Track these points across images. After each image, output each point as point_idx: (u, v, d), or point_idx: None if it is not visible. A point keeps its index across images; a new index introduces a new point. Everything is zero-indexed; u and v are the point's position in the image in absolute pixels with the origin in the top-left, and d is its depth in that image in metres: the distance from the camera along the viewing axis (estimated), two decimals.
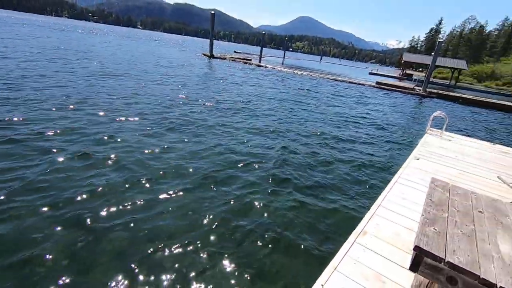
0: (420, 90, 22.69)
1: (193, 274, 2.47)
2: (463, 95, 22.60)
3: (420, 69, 62.50)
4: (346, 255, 2.07)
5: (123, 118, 6.42)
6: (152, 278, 2.38)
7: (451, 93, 23.03)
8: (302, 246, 2.99)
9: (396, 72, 59.04)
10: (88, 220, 2.98)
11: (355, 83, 24.73)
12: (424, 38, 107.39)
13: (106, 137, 5.19)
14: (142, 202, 3.41)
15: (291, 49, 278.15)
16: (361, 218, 2.64)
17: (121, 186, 3.69)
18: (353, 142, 7.27)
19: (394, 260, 2.06)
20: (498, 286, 1.38)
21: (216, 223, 3.20)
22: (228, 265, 2.62)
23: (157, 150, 4.95)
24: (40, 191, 3.35)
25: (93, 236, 2.78)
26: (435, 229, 1.77)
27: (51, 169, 3.85)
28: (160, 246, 2.74)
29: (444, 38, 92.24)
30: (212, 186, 4.01)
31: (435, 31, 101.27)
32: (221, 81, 15.12)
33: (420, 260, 1.60)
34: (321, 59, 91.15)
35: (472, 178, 3.99)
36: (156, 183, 3.90)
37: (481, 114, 16.80)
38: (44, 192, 3.35)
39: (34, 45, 18.02)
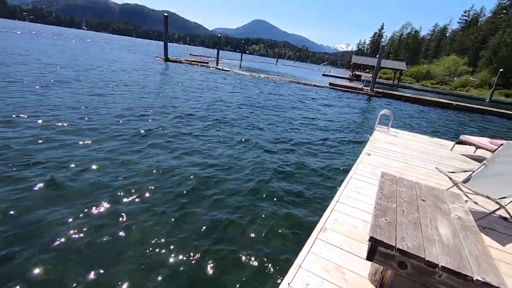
0: (368, 90, 24.47)
1: None
2: (405, 94, 24.88)
3: (367, 70, 67.31)
4: (309, 251, 2.16)
5: (71, 131, 5.91)
6: None
7: (394, 92, 25.19)
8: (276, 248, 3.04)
9: (346, 73, 62.86)
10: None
11: (310, 84, 25.81)
12: (369, 42, 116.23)
13: (50, 155, 4.64)
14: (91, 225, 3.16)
15: (247, 52, 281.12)
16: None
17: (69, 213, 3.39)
18: (312, 144, 7.56)
19: (353, 251, 2.20)
20: (440, 266, 1.55)
21: (180, 242, 3.11)
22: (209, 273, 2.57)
23: (113, 166, 4.61)
24: None
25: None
26: (386, 220, 1.93)
27: None
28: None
29: (386, 42, 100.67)
30: (177, 209, 3.66)
31: (378, 36, 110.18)
32: (180, 85, 14.59)
33: (375, 249, 1.73)
34: (277, 61, 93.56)
35: (415, 169, 4.42)
36: (113, 202, 3.65)
37: (422, 111, 18.65)
38: None
39: None
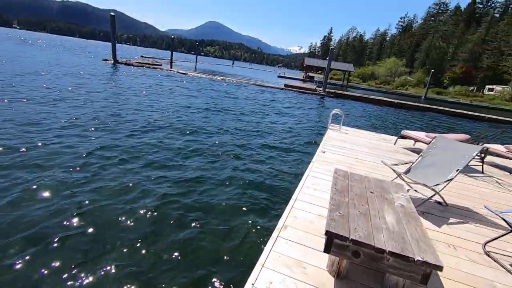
0: (321, 90, 25.76)
1: None
2: (354, 94, 26.71)
3: (320, 72, 70.89)
4: (272, 250, 2.22)
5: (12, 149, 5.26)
6: None
7: (345, 92, 26.88)
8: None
9: (300, 75, 65.41)
10: None
11: (267, 86, 26.34)
12: (320, 44, 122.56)
13: None
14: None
15: (202, 54, 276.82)
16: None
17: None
18: (274, 148, 7.66)
19: (312, 246, 2.31)
20: (387, 251, 1.71)
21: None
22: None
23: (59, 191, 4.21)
24: None
25: None
26: (340, 213, 2.06)
27: None
28: None
29: (335, 45, 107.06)
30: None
31: (328, 39, 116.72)
32: (131, 90, 13.67)
33: (331, 242, 1.85)
34: (233, 63, 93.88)
35: (365, 164, 4.77)
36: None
37: (369, 109, 20.16)
38: None
39: None
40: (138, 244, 3.09)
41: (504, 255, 2.53)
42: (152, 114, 9.32)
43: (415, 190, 3.69)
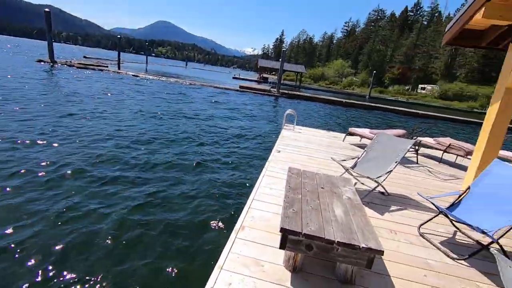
0: (275, 91, 26.44)
1: None
2: (306, 94, 27.95)
3: (273, 73, 72.67)
4: (230, 252, 2.24)
5: None
6: None
7: (297, 93, 27.97)
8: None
9: (255, 76, 66.35)
10: None
11: (222, 88, 26.22)
12: (273, 46, 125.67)
13: None
14: None
15: (153, 55, 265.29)
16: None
17: None
18: (232, 152, 7.68)
19: (268, 244, 2.38)
20: (336, 241, 1.84)
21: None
22: None
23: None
24: None
25: None
26: (294, 210, 2.17)
27: None
28: None
29: (287, 47, 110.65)
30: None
31: (280, 41, 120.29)
32: (74, 97, 12.25)
33: (286, 238, 1.93)
34: (186, 64, 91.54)
35: (316, 161, 5.04)
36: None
37: (320, 109, 21.25)
38: None
39: None
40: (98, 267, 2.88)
41: (435, 235, 2.89)
42: (99, 123, 8.69)
43: (361, 183, 4.01)
